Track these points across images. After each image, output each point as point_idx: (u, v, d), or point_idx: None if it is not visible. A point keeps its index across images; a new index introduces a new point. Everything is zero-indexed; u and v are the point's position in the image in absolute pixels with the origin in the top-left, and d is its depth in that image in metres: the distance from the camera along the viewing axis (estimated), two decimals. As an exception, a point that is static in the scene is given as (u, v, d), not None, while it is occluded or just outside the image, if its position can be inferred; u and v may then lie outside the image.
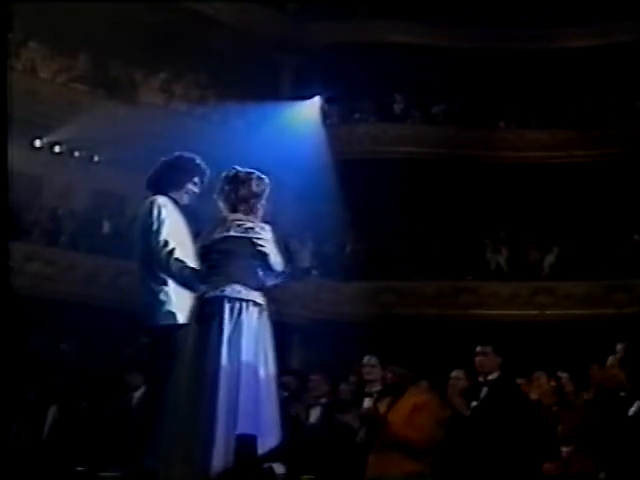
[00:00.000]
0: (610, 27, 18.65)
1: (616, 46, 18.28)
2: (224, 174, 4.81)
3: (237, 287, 4.54)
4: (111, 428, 7.95)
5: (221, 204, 4.77)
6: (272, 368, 4.55)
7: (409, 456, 6.03)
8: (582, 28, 19.00)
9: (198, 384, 4.42)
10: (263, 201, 4.76)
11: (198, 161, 5.10)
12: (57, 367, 12.92)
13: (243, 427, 4.33)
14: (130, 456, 4.92)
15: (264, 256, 4.59)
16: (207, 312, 4.53)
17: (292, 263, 17.33)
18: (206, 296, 4.58)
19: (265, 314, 4.61)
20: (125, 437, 6.35)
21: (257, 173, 4.80)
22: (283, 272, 4.71)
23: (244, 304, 4.53)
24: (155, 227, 4.82)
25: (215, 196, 4.84)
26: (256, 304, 4.57)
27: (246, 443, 4.22)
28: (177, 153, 5.14)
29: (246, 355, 4.43)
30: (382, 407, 6.39)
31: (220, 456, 4.28)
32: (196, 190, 5.10)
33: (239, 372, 4.40)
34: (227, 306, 4.51)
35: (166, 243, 4.77)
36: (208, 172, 5.12)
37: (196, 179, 5.08)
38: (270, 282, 4.71)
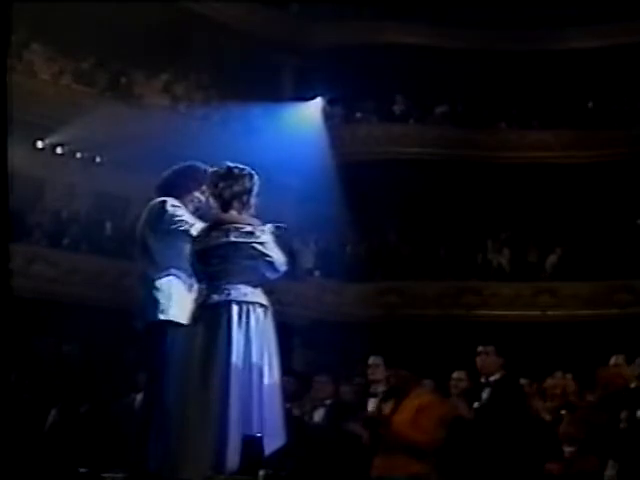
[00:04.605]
0: (613, 28, 18.65)
1: (619, 47, 18.28)
2: (215, 170, 4.78)
3: (242, 290, 4.53)
4: (114, 429, 7.95)
5: (212, 201, 4.74)
6: (276, 369, 4.54)
7: (414, 457, 6.02)
8: (585, 29, 19.01)
9: (209, 387, 4.41)
10: (254, 197, 4.73)
11: (209, 172, 5.10)
12: (59, 368, 12.92)
13: (253, 429, 4.32)
14: (132, 457, 4.92)
15: (269, 260, 4.56)
16: (214, 316, 4.52)
17: (295, 264, 17.35)
18: (211, 300, 4.55)
19: (270, 315, 4.59)
20: (127, 438, 6.34)
21: (248, 169, 4.75)
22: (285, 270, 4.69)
23: (251, 306, 4.51)
24: (178, 218, 4.84)
25: (206, 192, 4.83)
26: (261, 305, 4.56)
27: (252, 444, 4.21)
28: (189, 162, 5.15)
29: (254, 357, 4.44)
30: (386, 409, 6.38)
31: (233, 457, 4.28)
32: (203, 199, 5.09)
33: (250, 374, 4.40)
34: (235, 309, 4.49)
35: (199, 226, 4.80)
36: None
37: (204, 188, 5.08)
38: (272, 277, 4.67)
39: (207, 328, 4.51)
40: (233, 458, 4.28)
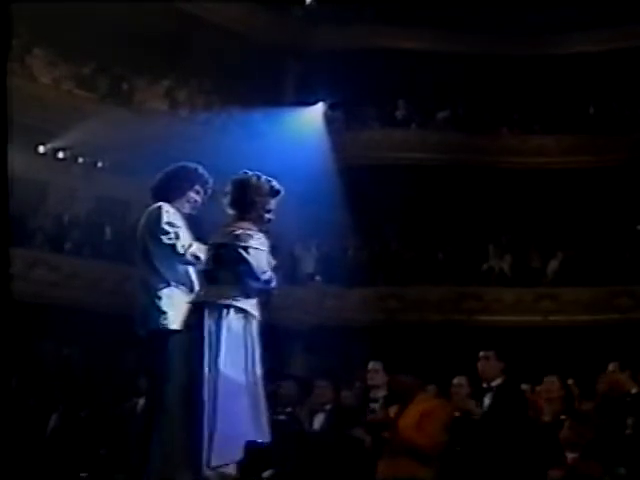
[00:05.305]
0: (615, 32, 18.65)
1: (620, 51, 18.28)
2: (234, 178, 4.80)
3: (220, 292, 4.55)
4: (115, 434, 7.94)
5: (229, 209, 4.76)
6: (258, 374, 4.53)
7: (419, 461, 6.03)
8: (586, 33, 19.00)
9: (184, 390, 4.49)
10: (272, 206, 4.75)
11: (200, 170, 5.13)
12: (60, 373, 12.92)
13: (222, 431, 4.34)
14: (133, 462, 4.93)
15: (247, 263, 4.55)
16: (191, 319, 4.59)
17: (295, 269, 17.37)
18: (193, 302, 4.64)
19: (251, 319, 4.57)
20: (128, 443, 6.35)
21: (266, 177, 4.79)
22: (268, 280, 4.64)
23: (224, 310, 4.52)
24: (173, 229, 4.85)
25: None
26: (240, 310, 4.54)
27: (253, 449, 4.23)
28: (180, 163, 5.18)
29: (225, 360, 4.44)
30: (390, 413, 6.39)
31: (203, 456, 4.33)
32: (198, 199, 5.12)
33: (217, 377, 4.41)
34: (207, 312, 4.53)
35: (185, 245, 4.83)
36: (211, 181, 5.14)
37: (198, 187, 5.11)
38: (258, 287, 4.65)
39: (186, 331, 4.57)
40: (203, 457, 4.31)
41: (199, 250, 4.85)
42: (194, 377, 4.45)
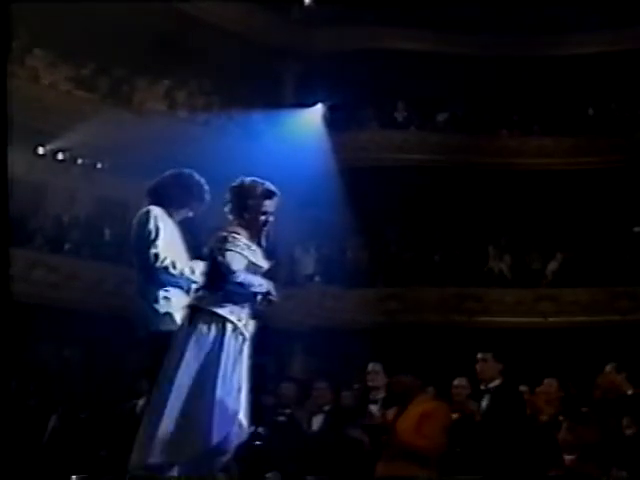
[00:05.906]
0: (614, 34, 18.66)
1: (620, 53, 18.28)
2: (232, 185, 4.79)
3: (204, 296, 4.56)
4: (114, 435, 7.94)
5: (229, 215, 4.75)
6: (217, 381, 4.46)
7: (418, 463, 6.03)
8: (586, 35, 19.01)
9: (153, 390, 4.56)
10: (268, 208, 4.73)
11: (205, 188, 5.07)
12: (60, 374, 12.93)
13: (162, 431, 4.39)
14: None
15: (219, 264, 4.52)
16: (181, 322, 4.63)
17: (295, 270, 17.37)
18: (184, 307, 4.68)
19: (229, 326, 4.51)
20: (127, 444, 6.34)
21: (261, 180, 4.78)
22: (242, 284, 4.57)
23: (199, 314, 4.52)
24: (152, 237, 4.84)
25: (225, 209, 4.82)
26: (215, 315, 4.52)
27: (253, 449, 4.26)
28: (188, 171, 5.11)
29: (186, 364, 4.45)
30: (390, 415, 6.39)
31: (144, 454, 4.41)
32: (191, 215, 5.10)
33: (173, 379, 4.43)
34: (187, 315, 4.57)
35: (159, 255, 4.81)
36: (208, 200, 5.11)
37: (195, 205, 5.08)
38: (231, 288, 4.58)
39: (173, 334, 4.64)
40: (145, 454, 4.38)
41: (172, 264, 4.81)
42: (159, 378, 4.49)
